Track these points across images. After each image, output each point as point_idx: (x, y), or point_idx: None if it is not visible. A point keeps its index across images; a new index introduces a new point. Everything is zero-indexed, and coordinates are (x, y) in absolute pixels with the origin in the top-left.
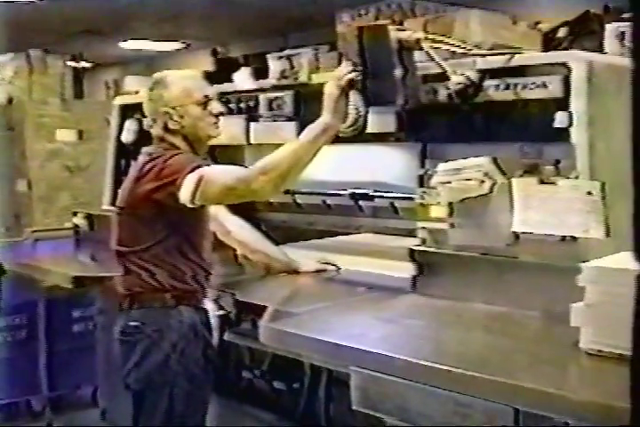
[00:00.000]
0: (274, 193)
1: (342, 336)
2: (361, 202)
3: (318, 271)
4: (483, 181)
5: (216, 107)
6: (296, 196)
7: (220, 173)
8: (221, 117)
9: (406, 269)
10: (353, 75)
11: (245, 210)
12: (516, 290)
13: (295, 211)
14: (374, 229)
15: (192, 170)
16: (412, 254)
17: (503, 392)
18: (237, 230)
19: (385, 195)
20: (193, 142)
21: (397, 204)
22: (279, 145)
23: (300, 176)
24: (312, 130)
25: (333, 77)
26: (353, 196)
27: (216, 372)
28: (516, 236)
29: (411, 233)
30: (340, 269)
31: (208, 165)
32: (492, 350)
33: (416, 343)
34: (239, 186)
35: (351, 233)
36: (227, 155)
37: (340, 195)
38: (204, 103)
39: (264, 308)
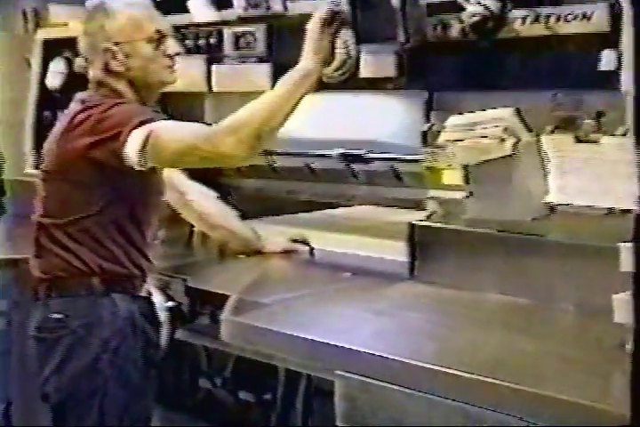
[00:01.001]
0: (248, 157)
1: (324, 332)
2: (354, 165)
3: (286, 252)
4: (503, 139)
5: (172, 46)
6: (272, 158)
7: (177, 129)
8: (177, 59)
9: (405, 251)
10: (340, 6)
11: (209, 175)
12: (542, 277)
13: (272, 177)
14: (371, 200)
15: (140, 124)
16: (412, 232)
17: (524, 404)
18: (199, 200)
19: (384, 156)
20: (140, 89)
21: (399, 167)
22: (249, 94)
23: (277, 135)
24: (290, 77)
25: (316, 8)
26: (343, 157)
27: (161, 378)
28: (548, 208)
29: (417, 205)
30: (313, 249)
31: (162, 119)
32: (512, 351)
33: (416, 342)
34: (203, 146)
35: (342, 205)
36: (182, 105)
37: (327, 156)
38: (158, 40)
39: (225, 297)
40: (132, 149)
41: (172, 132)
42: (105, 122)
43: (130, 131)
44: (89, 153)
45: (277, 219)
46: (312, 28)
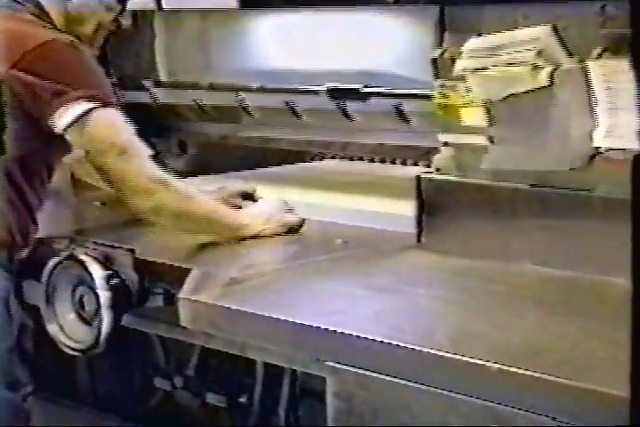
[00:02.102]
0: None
1: (313, 314)
2: (347, 104)
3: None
4: (537, 67)
5: None
6: (242, 95)
7: (121, 130)
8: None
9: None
10: None
11: (160, 118)
12: (587, 243)
13: (242, 120)
14: (369, 149)
15: (86, 99)
16: (420, 187)
17: (564, 402)
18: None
19: (385, 91)
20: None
21: (405, 106)
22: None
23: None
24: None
25: None
26: (334, 94)
27: (105, 378)
28: (594, 155)
29: (427, 154)
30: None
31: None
32: (549, 336)
33: (427, 325)
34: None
35: (332, 156)
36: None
37: (313, 93)
38: None
39: (185, 272)
40: (61, 118)
41: (114, 131)
42: (42, 65)
43: (70, 101)
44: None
45: (248, 174)
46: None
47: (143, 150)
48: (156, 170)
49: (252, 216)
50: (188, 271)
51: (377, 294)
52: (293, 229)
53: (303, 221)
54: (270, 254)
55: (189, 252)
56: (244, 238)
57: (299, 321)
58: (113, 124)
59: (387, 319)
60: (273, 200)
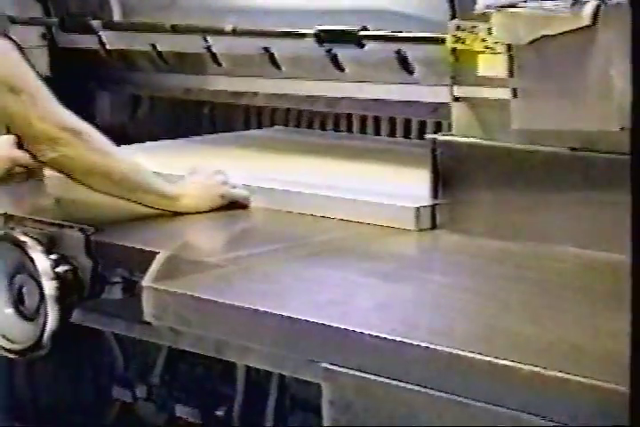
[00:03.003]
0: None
1: (304, 306)
2: (338, 50)
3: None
4: (577, 1)
5: None
6: (210, 40)
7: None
8: None
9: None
10: None
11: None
12: None
13: (210, 70)
14: (364, 106)
15: None
16: (435, 153)
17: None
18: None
19: (385, 34)
20: None
21: (410, 52)
22: None
23: None
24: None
25: None
26: (322, 38)
27: (49, 387)
28: None
29: (435, 111)
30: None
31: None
32: (593, 333)
33: (443, 319)
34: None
35: (321, 116)
36: None
37: (296, 36)
38: None
39: (149, 256)
40: None
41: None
42: None
43: None
44: None
45: (215, 139)
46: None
47: (46, 92)
48: (66, 116)
49: (188, 187)
50: (152, 255)
51: (382, 283)
52: (239, 205)
53: (248, 196)
54: (252, 236)
55: (154, 235)
56: (180, 213)
57: (287, 314)
58: (4, 57)
59: (394, 312)
60: (211, 171)
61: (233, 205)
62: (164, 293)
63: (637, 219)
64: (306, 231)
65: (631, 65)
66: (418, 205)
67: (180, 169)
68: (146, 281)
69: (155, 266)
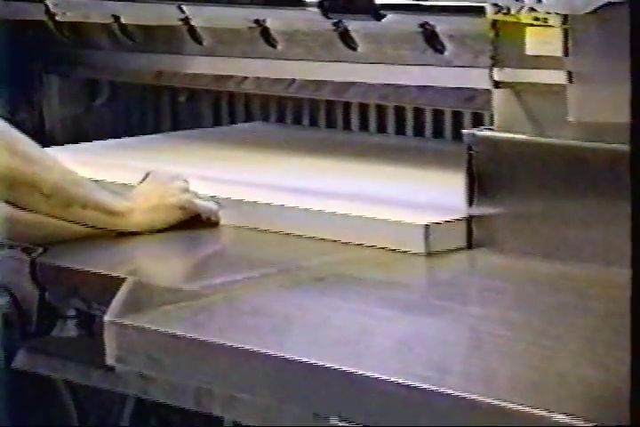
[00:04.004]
0: None
1: (306, 345)
2: (348, 23)
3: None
4: None
5: None
6: (187, 10)
7: None
8: None
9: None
10: None
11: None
12: None
13: (186, 48)
14: (381, 94)
15: None
16: (471, 153)
17: None
18: None
19: (407, 3)
20: None
21: (439, 26)
22: None
23: None
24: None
25: None
26: (329, 8)
27: None
28: None
29: (470, 101)
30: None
31: None
32: None
33: (487, 362)
34: None
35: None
36: None
37: (296, 5)
38: None
39: (113, 283)
40: None
41: None
42: None
43: None
44: None
45: (191, 135)
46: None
47: None
48: None
49: (139, 198)
50: (116, 282)
51: (402, 316)
52: (205, 221)
53: (217, 209)
54: (237, 259)
55: (118, 257)
56: (126, 232)
57: (284, 355)
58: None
59: (419, 353)
60: (169, 176)
61: (197, 222)
62: (130, 329)
63: None
64: (296, 254)
65: (631, 65)
66: (428, 222)
67: (135, 175)
68: (108, 315)
69: (119, 296)
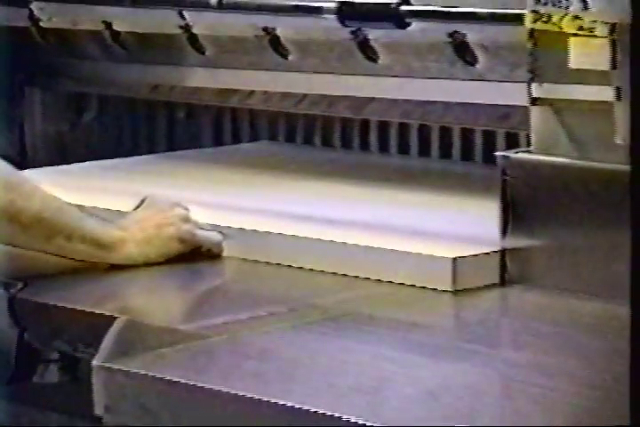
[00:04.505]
0: None
1: (319, 393)
2: (368, 32)
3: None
4: None
5: None
6: (188, 16)
7: None
8: None
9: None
10: None
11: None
12: None
13: (187, 59)
14: (403, 111)
15: None
16: (505, 177)
17: None
18: None
19: (435, 9)
20: None
21: (469, 35)
22: None
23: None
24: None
25: None
26: (347, 14)
27: None
28: None
29: (504, 120)
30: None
31: None
32: None
33: (519, 412)
34: None
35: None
36: None
37: (311, 11)
38: None
39: (102, 321)
40: None
41: None
42: None
43: None
44: None
45: (190, 156)
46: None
47: None
48: None
49: (132, 228)
50: (105, 321)
51: (426, 361)
52: (208, 254)
53: (221, 240)
54: (241, 296)
55: (107, 293)
56: (118, 266)
57: (295, 404)
58: None
59: (446, 403)
60: (167, 203)
61: (197, 254)
62: (121, 375)
63: None
64: (308, 290)
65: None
66: (456, 255)
67: (128, 201)
68: (96, 358)
69: (109, 337)
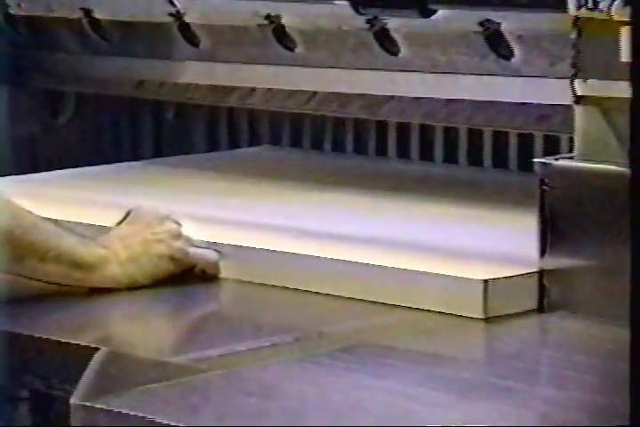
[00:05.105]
0: None
1: None
2: (385, 21)
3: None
4: None
5: None
6: (178, 2)
7: None
8: None
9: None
10: None
11: None
12: None
13: (178, 50)
14: (426, 111)
15: None
16: (544, 188)
17: None
18: None
19: None
20: None
21: (504, 24)
22: None
23: None
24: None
25: None
26: (359, 0)
27: None
28: None
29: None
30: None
31: None
32: None
33: None
34: None
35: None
36: None
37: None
38: None
39: (80, 353)
40: None
41: None
42: None
43: None
44: None
45: (180, 162)
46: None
47: None
48: None
49: (116, 245)
50: (84, 354)
51: (455, 398)
52: (202, 274)
53: (217, 259)
54: (237, 325)
55: (85, 320)
56: (99, 289)
57: None
58: None
59: None
60: (156, 216)
61: (190, 275)
62: (103, 415)
63: None
64: (317, 317)
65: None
66: (488, 277)
67: (111, 215)
68: (74, 397)
69: (89, 371)
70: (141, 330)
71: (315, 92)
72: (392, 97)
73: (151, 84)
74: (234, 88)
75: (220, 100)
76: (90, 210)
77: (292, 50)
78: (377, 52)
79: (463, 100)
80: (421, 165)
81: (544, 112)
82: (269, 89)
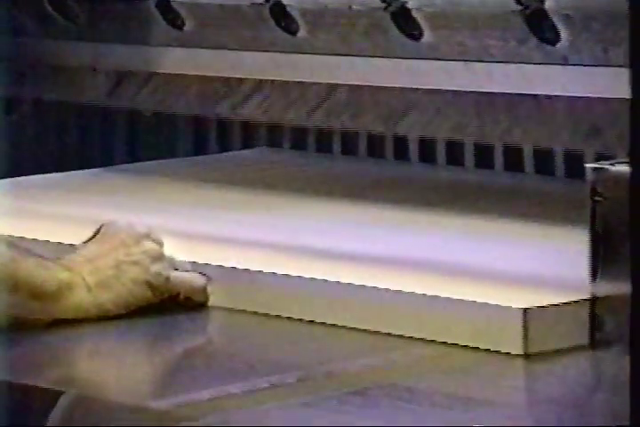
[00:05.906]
0: None
1: None
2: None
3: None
4: None
5: None
6: None
7: None
8: None
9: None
10: None
11: None
12: None
13: (158, 35)
14: (454, 112)
15: None
16: (596, 198)
17: None
18: None
19: None
20: None
21: (546, 2)
22: None
23: None
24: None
25: None
26: None
27: None
28: None
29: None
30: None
31: None
32: None
33: None
34: None
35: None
36: None
37: None
38: None
39: (47, 397)
40: None
41: None
42: None
43: None
44: None
45: (161, 167)
46: None
47: None
48: None
49: (84, 267)
50: (50, 397)
51: None
52: (187, 302)
53: (204, 284)
54: (213, 359)
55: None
56: (64, 320)
57: None
58: None
59: None
60: (134, 232)
61: (173, 303)
62: None
63: None
64: (321, 353)
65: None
66: (529, 305)
67: (77, 230)
68: None
69: (52, 419)
70: (114, 369)
71: (321, 102)
72: (415, 90)
73: (132, 74)
74: (225, 80)
75: (206, 110)
76: (51, 225)
77: (293, 33)
78: (395, 36)
79: (497, 94)
80: (448, 170)
81: (599, 109)
82: (267, 80)
